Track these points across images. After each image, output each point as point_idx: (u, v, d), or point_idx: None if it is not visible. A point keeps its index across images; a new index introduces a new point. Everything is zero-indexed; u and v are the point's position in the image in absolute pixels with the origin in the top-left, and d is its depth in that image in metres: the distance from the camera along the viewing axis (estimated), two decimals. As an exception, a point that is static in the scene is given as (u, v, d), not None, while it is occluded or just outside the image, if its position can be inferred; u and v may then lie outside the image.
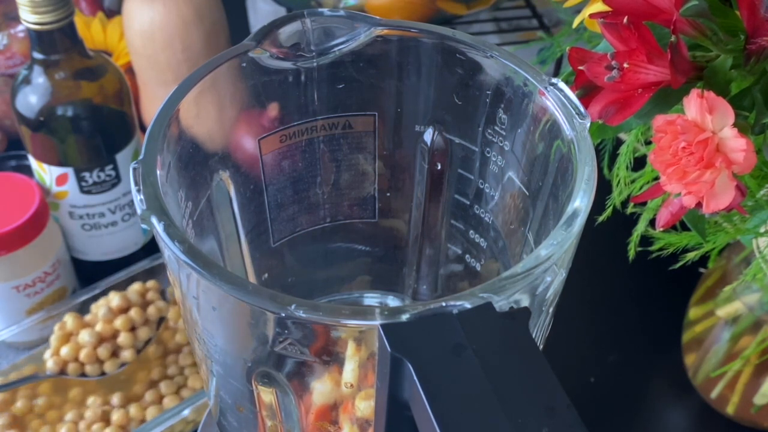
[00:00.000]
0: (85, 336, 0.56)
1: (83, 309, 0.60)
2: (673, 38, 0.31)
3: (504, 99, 0.36)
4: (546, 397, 0.24)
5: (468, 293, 0.26)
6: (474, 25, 0.80)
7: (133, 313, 0.58)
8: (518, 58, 0.35)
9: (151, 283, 0.61)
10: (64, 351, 0.56)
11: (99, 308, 0.58)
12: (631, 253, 0.53)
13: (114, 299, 0.58)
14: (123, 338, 0.57)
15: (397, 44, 0.37)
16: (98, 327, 0.57)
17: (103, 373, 0.57)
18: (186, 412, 0.53)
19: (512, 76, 0.35)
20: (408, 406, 0.25)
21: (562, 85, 0.33)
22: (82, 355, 0.56)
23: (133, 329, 0.58)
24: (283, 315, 0.26)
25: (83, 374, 0.57)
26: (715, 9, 0.35)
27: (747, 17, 0.32)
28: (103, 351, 0.56)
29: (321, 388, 0.33)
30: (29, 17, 0.53)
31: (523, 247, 0.37)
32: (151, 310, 0.59)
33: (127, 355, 0.57)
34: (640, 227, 0.52)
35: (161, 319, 0.60)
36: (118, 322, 0.57)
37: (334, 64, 0.36)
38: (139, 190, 0.29)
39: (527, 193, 0.36)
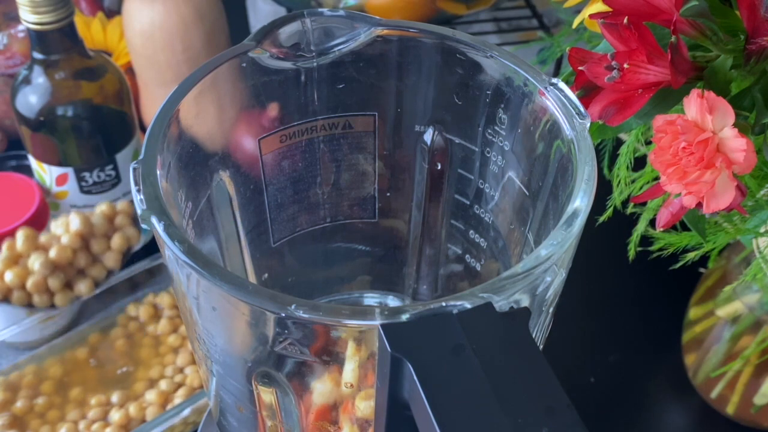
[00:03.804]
0: (36, 262, 0.49)
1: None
2: (673, 38, 0.31)
3: (504, 99, 0.36)
4: (546, 397, 0.24)
5: (468, 293, 0.26)
6: (474, 25, 0.80)
7: (95, 243, 0.51)
8: (518, 58, 0.35)
9: (122, 205, 0.54)
10: (9, 276, 0.49)
11: (57, 228, 0.51)
12: (631, 253, 0.53)
13: (74, 221, 0.50)
14: (80, 269, 0.50)
15: (397, 44, 0.37)
16: (53, 253, 0.49)
17: (52, 305, 0.50)
18: (186, 412, 0.53)
19: (512, 76, 0.35)
20: (408, 406, 0.25)
21: (562, 85, 0.33)
22: (30, 283, 0.49)
23: (94, 260, 0.51)
24: (283, 315, 0.26)
25: (30, 304, 0.50)
26: (715, 9, 0.35)
27: (747, 17, 0.32)
28: (54, 281, 0.49)
29: (321, 388, 0.33)
30: (29, 17, 0.53)
31: (523, 247, 0.37)
32: (117, 240, 0.51)
33: (82, 288, 0.50)
34: (640, 227, 0.52)
35: (129, 250, 0.52)
36: (77, 250, 0.50)
37: (334, 64, 0.36)
38: (139, 190, 0.29)
39: (527, 193, 0.36)
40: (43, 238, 0.50)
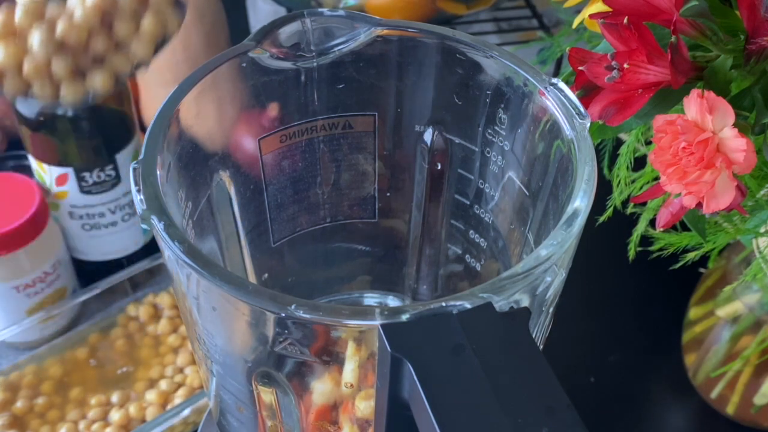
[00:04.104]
0: (35, 39, 0.35)
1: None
2: (673, 38, 0.31)
3: (504, 99, 0.36)
4: (546, 397, 0.24)
5: (468, 293, 0.26)
6: (474, 25, 0.80)
7: (120, 25, 0.37)
8: (518, 58, 0.35)
9: None
10: (0, 54, 0.36)
11: (72, 0, 0.38)
12: (631, 253, 0.53)
13: None
14: (98, 56, 0.37)
15: (397, 44, 0.37)
16: (60, 29, 0.36)
17: (57, 98, 0.38)
18: (186, 412, 0.53)
19: (512, 76, 0.35)
20: (408, 406, 0.25)
21: (562, 85, 0.33)
22: (27, 65, 0.36)
23: (117, 47, 0.38)
24: (283, 315, 0.26)
25: (26, 93, 0.38)
26: (715, 9, 0.35)
27: (747, 17, 0.32)
28: (60, 66, 0.36)
29: (321, 388, 0.33)
30: (29, 17, 0.53)
31: (523, 247, 0.37)
32: (149, 23, 0.38)
33: (98, 81, 0.38)
34: (640, 227, 0.52)
35: (164, 41, 0.39)
36: (93, 31, 0.37)
37: (334, 64, 0.36)
38: (139, 190, 0.29)
39: (527, 193, 0.36)
40: (51, 10, 0.37)
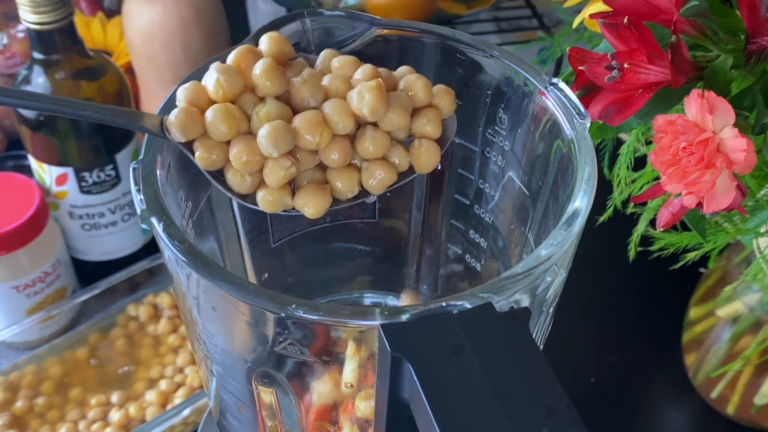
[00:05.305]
0: (263, 128, 0.30)
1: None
2: (673, 38, 0.31)
3: (504, 99, 0.36)
4: (546, 397, 0.24)
5: (468, 293, 0.26)
6: (474, 25, 0.80)
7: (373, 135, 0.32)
8: (518, 58, 0.35)
9: None
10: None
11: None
12: (632, 253, 0.53)
13: None
14: (330, 162, 0.31)
15: (397, 44, 0.37)
16: (299, 121, 0.30)
17: (244, 196, 0.32)
18: (186, 412, 0.53)
19: (512, 75, 0.35)
20: (408, 406, 0.25)
21: (562, 85, 0.33)
22: (237, 147, 0.31)
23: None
24: (283, 315, 0.26)
25: (212, 175, 0.32)
26: (715, 9, 0.35)
27: (747, 17, 0.32)
28: (275, 164, 0.31)
29: (321, 388, 0.33)
30: (29, 17, 0.53)
31: (523, 247, 0.37)
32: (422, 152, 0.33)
33: (306, 205, 0.32)
34: (641, 227, 0.52)
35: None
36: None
37: (334, 64, 0.36)
38: (139, 190, 0.29)
39: (527, 193, 0.36)
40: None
